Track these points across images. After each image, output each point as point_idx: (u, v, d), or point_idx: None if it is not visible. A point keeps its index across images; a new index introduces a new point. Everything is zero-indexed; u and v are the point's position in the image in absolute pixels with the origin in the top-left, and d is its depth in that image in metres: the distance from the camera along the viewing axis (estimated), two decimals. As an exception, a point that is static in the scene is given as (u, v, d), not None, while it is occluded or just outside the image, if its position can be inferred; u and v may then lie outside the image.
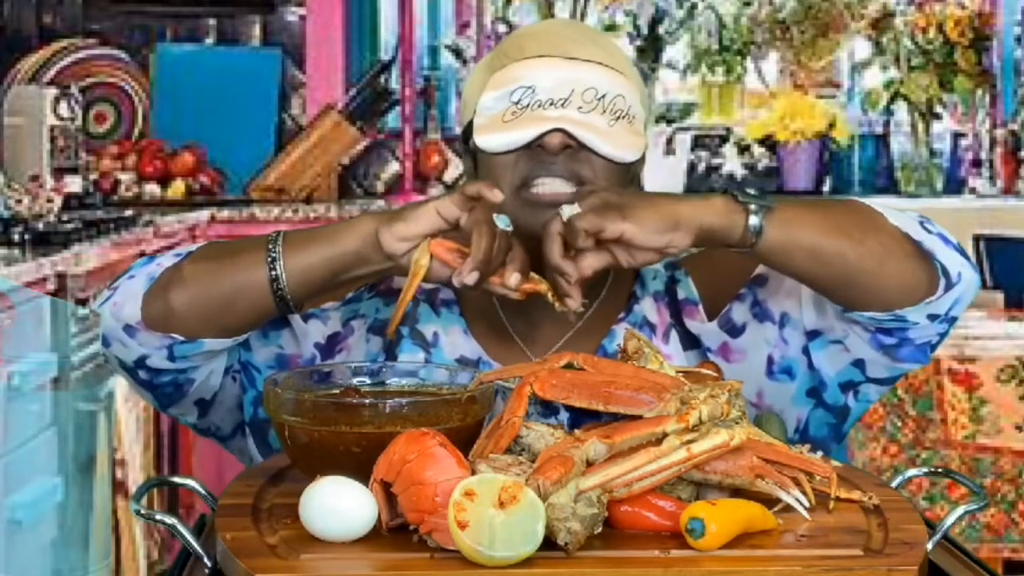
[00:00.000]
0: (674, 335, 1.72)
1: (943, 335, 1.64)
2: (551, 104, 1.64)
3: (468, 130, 1.71)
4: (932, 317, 1.59)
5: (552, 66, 1.66)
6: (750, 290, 1.71)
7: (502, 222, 1.53)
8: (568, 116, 1.64)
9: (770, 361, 1.70)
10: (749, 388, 1.67)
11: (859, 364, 1.67)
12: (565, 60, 1.67)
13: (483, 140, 1.67)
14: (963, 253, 1.61)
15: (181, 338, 1.60)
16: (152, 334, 1.61)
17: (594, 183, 1.64)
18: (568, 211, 1.52)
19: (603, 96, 1.66)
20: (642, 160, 1.73)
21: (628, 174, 1.69)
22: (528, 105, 1.65)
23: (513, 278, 1.53)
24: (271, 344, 1.72)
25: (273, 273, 1.56)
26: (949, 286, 1.58)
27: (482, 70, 1.73)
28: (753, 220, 1.51)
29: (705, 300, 1.74)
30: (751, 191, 1.55)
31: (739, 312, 1.71)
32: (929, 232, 1.59)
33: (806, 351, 1.69)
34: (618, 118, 1.66)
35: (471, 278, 1.49)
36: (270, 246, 1.57)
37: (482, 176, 1.69)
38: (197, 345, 1.61)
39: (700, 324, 1.73)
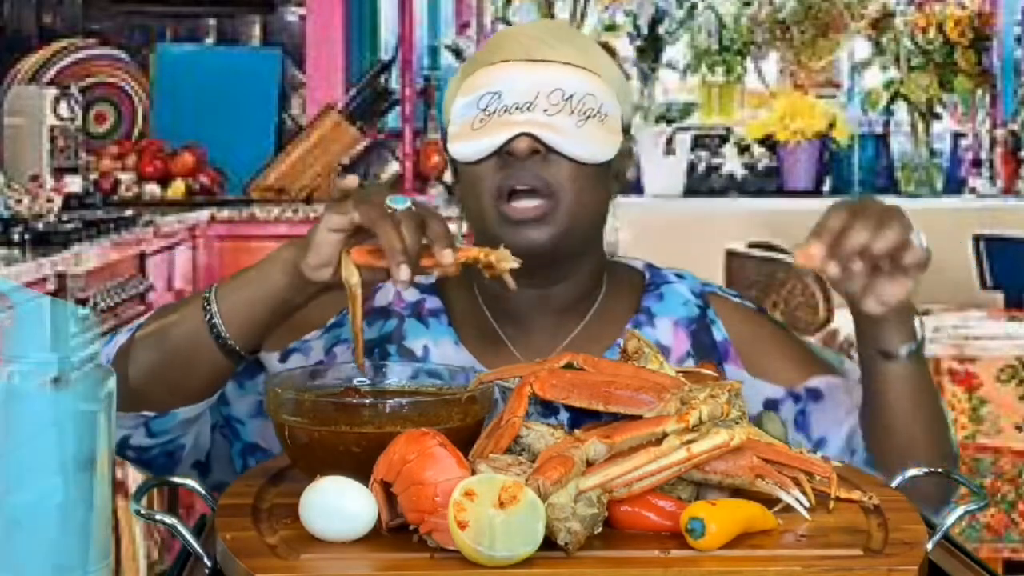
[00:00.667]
0: (689, 364, 1.70)
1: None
2: (517, 108, 1.62)
3: (446, 136, 1.69)
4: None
5: (518, 70, 1.64)
6: (804, 398, 1.71)
7: (398, 202, 1.45)
8: (534, 119, 1.61)
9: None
10: None
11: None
12: (530, 63, 1.64)
13: (455, 148, 1.65)
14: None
15: (152, 413, 1.59)
16: (124, 416, 1.58)
17: (564, 187, 1.61)
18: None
19: (570, 96, 1.63)
20: (628, 157, 1.71)
21: (604, 174, 1.67)
22: (495, 111, 1.62)
23: (446, 254, 1.44)
24: (249, 394, 1.70)
25: (212, 325, 1.54)
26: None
27: (457, 77, 1.71)
28: (914, 345, 1.58)
29: (736, 347, 1.74)
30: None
31: (786, 409, 1.72)
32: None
33: None
34: (588, 117, 1.63)
35: (403, 274, 1.42)
36: (204, 301, 1.55)
37: (462, 184, 1.67)
38: (171, 417, 1.60)
39: (740, 372, 1.71)
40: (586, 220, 1.65)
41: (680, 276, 1.77)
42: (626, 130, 1.70)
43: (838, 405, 1.68)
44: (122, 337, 1.62)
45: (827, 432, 1.68)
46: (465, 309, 1.71)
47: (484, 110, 1.63)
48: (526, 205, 1.61)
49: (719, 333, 1.72)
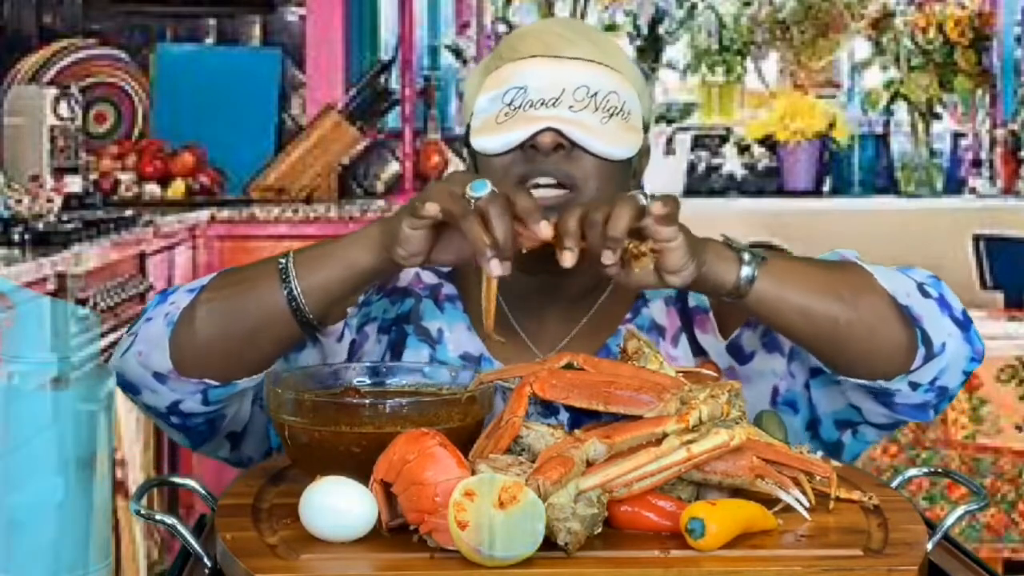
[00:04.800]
0: (683, 340, 1.72)
1: (941, 400, 1.60)
2: (542, 104, 1.64)
3: (468, 131, 1.71)
4: (914, 385, 1.56)
5: (543, 66, 1.66)
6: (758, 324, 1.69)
7: (478, 189, 1.43)
8: (559, 115, 1.63)
9: (775, 392, 1.69)
10: (751, 415, 1.66)
11: (856, 408, 1.66)
12: (556, 59, 1.66)
13: (478, 142, 1.66)
14: (962, 321, 1.57)
15: (216, 383, 1.58)
16: (186, 381, 1.58)
17: (587, 182, 1.63)
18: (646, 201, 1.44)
19: (595, 94, 1.65)
20: (645, 156, 1.72)
21: (625, 171, 1.68)
22: (520, 105, 1.64)
23: (542, 227, 1.42)
24: (292, 366, 1.69)
25: (292, 299, 1.53)
26: (930, 356, 1.54)
27: (479, 72, 1.73)
28: (746, 270, 1.49)
29: (714, 310, 1.73)
30: (743, 244, 1.52)
31: (749, 339, 1.70)
32: (927, 296, 1.56)
33: (808, 386, 1.69)
34: (611, 115, 1.65)
35: (494, 269, 1.40)
36: (282, 272, 1.54)
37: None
38: (231, 387, 1.59)
39: (711, 339, 1.72)
40: None
41: None
42: (645, 128, 1.72)
43: None
44: (180, 297, 1.60)
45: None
46: (479, 296, 1.72)
47: (509, 104, 1.65)
48: (547, 194, 1.62)
49: (694, 299, 1.74)
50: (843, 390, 1.64)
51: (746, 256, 1.50)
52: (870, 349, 1.53)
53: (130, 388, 1.63)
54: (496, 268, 1.41)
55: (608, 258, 1.42)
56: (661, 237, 1.43)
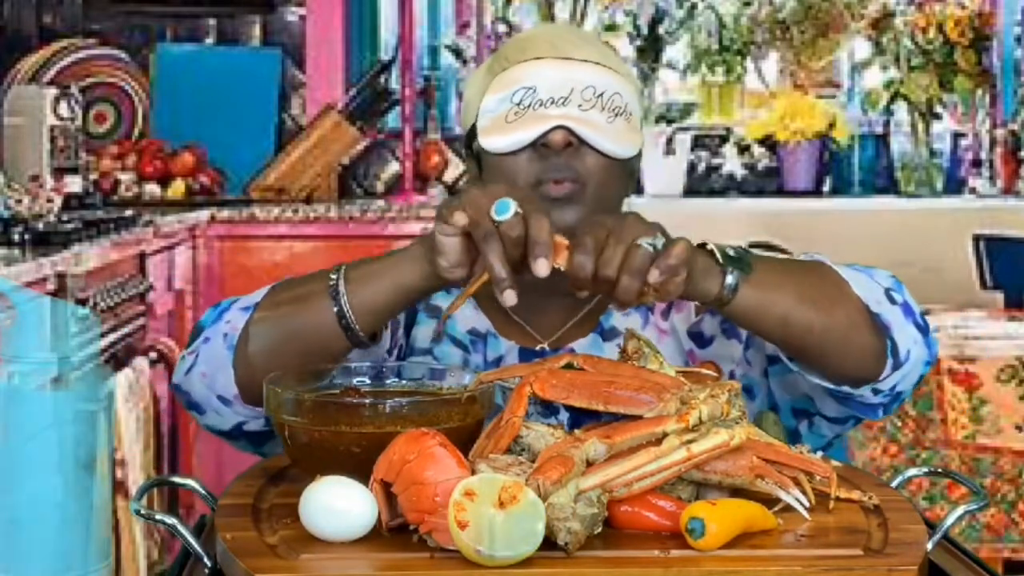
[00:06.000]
0: (671, 316, 1.76)
1: (893, 402, 1.63)
2: (552, 103, 1.68)
3: (471, 134, 1.74)
4: (875, 391, 1.59)
5: (552, 66, 1.70)
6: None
7: (502, 212, 1.43)
8: (569, 114, 1.67)
9: (731, 377, 1.72)
10: None
11: (810, 398, 1.69)
12: (564, 60, 1.70)
13: (488, 142, 1.69)
14: (922, 326, 1.60)
15: None
16: (250, 408, 1.60)
17: (593, 179, 1.67)
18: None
19: (601, 94, 1.69)
20: (639, 156, 1.76)
21: (626, 170, 1.73)
22: (530, 105, 1.68)
23: (539, 265, 1.42)
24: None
25: (342, 316, 1.54)
26: (896, 365, 1.57)
27: (482, 74, 1.76)
28: (729, 280, 1.49)
29: None
30: (728, 250, 1.52)
31: (709, 324, 1.74)
32: (893, 303, 1.58)
33: (766, 374, 1.72)
34: (616, 115, 1.69)
35: (507, 300, 1.42)
36: (332, 290, 1.54)
37: (489, 178, 1.70)
38: None
39: (682, 319, 1.75)
40: (608, 209, 1.68)
41: None
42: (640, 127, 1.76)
43: None
44: (235, 316, 1.61)
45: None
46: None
47: (519, 104, 1.69)
48: (557, 187, 1.67)
49: None
50: (798, 379, 1.66)
51: (729, 268, 1.50)
52: (843, 356, 1.55)
53: (194, 407, 1.65)
54: (510, 298, 1.42)
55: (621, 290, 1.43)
56: (666, 292, 1.44)
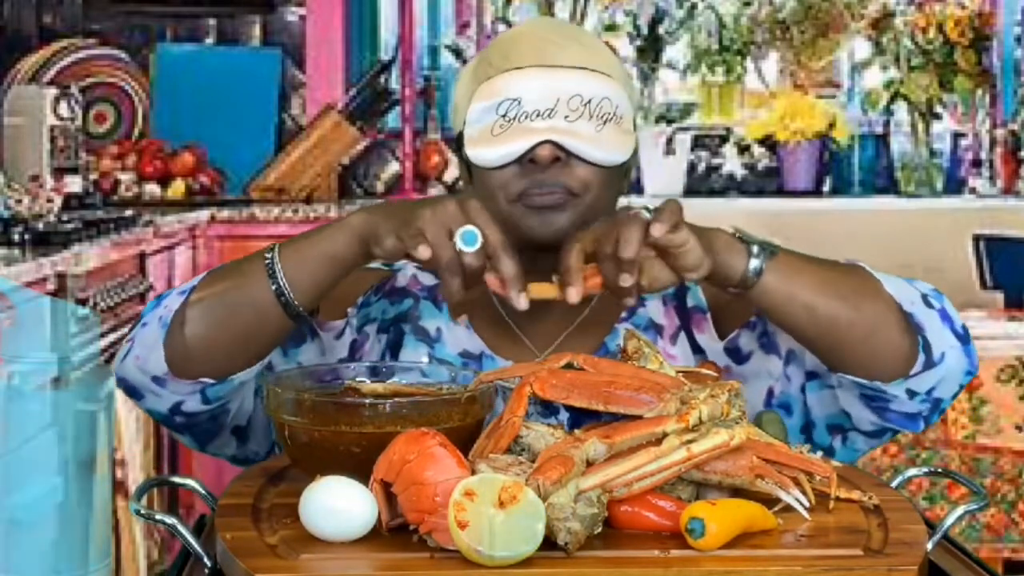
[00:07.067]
0: (682, 339, 1.72)
1: (933, 411, 1.61)
2: (538, 115, 1.64)
3: (460, 139, 1.72)
4: (911, 393, 1.57)
5: (536, 76, 1.66)
6: (760, 320, 1.69)
7: (467, 243, 1.47)
8: (556, 127, 1.64)
9: (770, 394, 1.70)
10: (748, 416, 1.66)
11: (847, 414, 1.66)
12: (548, 69, 1.66)
13: (475, 154, 1.67)
14: (961, 335, 1.58)
15: (212, 381, 1.59)
16: (183, 382, 1.60)
17: (585, 190, 1.65)
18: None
19: (588, 102, 1.65)
20: (635, 155, 1.73)
21: (620, 173, 1.70)
22: (515, 117, 1.65)
23: (520, 300, 1.49)
24: (291, 361, 1.72)
25: (278, 288, 1.55)
26: (929, 364, 1.55)
27: (469, 76, 1.73)
28: (754, 263, 1.50)
29: (712, 311, 1.74)
30: (755, 237, 1.53)
31: (747, 340, 1.71)
32: (930, 307, 1.57)
33: (803, 390, 1.69)
34: (605, 121, 1.66)
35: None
36: (268, 266, 1.56)
37: (477, 187, 1.69)
38: (228, 383, 1.60)
39: (708, 338, 1.72)
40: (601, 212, 1.67)
41: None
42: (633, 125, 1.72)
43: None
44: (172, 300, 1.62)
45: (794, 344, 1.66)
46: (477, 296, 1.72)
47: (504, 116, 1.65)
48: (545, 196, 1.65)
49: (692, 299, 1.74)
50: (836, 395, 1.64)
51: (755, 249, 1.51)
52: (870, 350, 1.54)
53: (133, 393, 1.65)
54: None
55: (627, 280, 1.46)
56: (674, 245, 1.46)
